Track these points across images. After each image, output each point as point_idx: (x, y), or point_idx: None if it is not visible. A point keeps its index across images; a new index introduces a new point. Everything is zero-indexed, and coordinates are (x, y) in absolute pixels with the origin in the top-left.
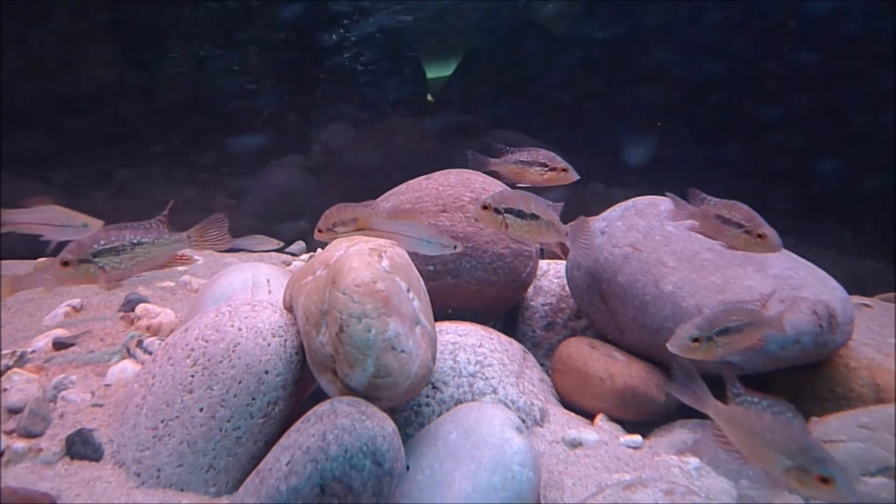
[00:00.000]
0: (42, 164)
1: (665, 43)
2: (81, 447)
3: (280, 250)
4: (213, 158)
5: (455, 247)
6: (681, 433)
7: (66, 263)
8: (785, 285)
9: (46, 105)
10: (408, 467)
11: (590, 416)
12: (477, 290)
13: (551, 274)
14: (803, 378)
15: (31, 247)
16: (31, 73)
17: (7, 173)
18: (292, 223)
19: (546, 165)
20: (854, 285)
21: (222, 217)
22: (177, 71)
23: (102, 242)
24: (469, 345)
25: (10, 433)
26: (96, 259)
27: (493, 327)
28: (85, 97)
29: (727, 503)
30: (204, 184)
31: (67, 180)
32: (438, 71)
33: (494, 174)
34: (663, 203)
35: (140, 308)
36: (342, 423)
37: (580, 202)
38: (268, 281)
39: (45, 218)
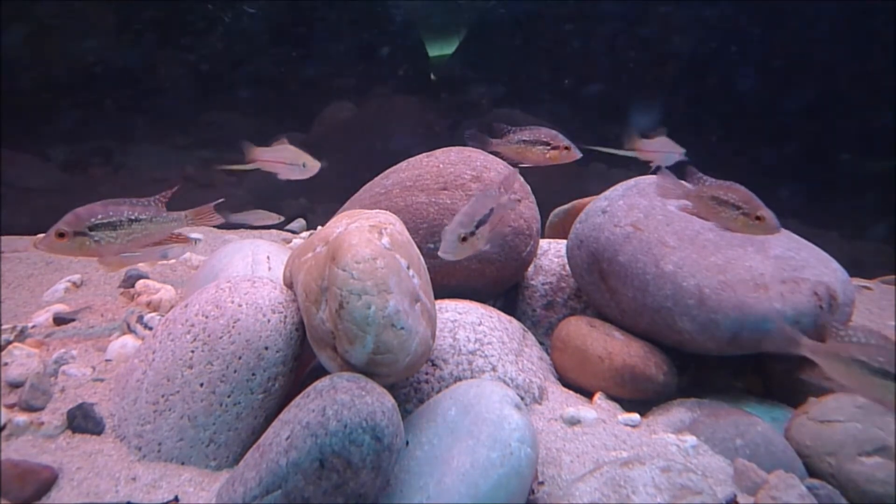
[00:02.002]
0: (41, 141)
1: (673, 22)
2: (83, 421)
3: (280, 227)
4: (214, 135)
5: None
6: (679, 412)
7: (61, 235)
8: (786, 266)
9: (46, 82)
10: (407, 443)
11: (588, 394)
12: (477, 268)
13: (552, 253)
14: (802, 359)
15: (32, 223)
16: (32, 50)
17: (6, 150)
18: (293, 200)
19: (549, 144)
20: (854, 268)
21: (219, 202)
22: (175, 47)
23: (100, 216)
24: (469, 322)
25: (11, 407)
26: (92, 233)
27: (494, 306)
28: (85, 74)
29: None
30: (204, 160)
31: (67, 157)
32: (440, 49)
33: (496, 154)
34: None
35: (140, 284)
36: (342, 399)
37: (582, 181)
38: (268, 258)
39: (280, 156)
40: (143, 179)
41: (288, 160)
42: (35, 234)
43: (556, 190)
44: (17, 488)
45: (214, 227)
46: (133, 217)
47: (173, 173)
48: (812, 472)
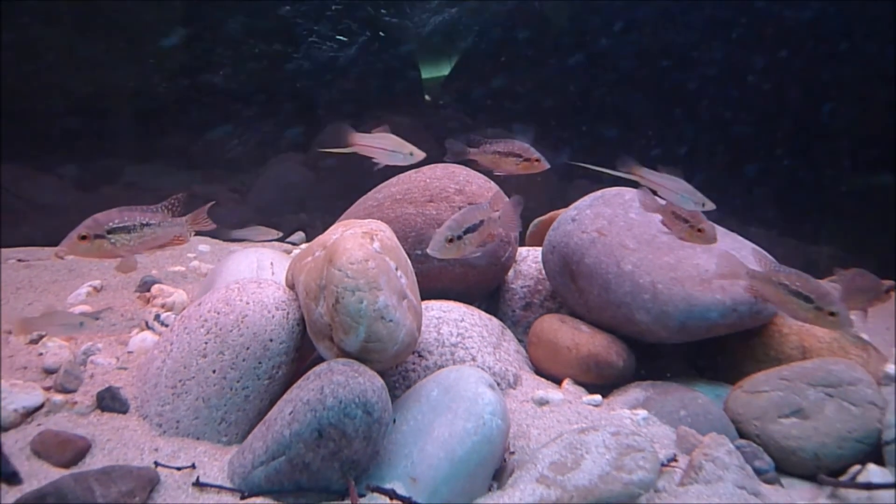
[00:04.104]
0: (55, 160)
1: (656, 45)
2: (110, 401)
3: (281, 240)
4: (218, 155)
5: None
6: (635, 392)
7: (83, 237)
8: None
9: (59, 104)
10: (395, 420)
11: (559, 381)
12: (461, 272)
13: (530, 259)
14: (741, 342)
15: (50, 236)
16: (44, 74)
17: (22, 167)
18: (293, 215)
19: (521, 156)
20: (809, 269)
21: (208, 206)
22: (180, 70)
23: (116, 221)
24: (452, 319)
25: (47, 389)
26: (110, 235)
27: (479, 307)
28: (95, 97)
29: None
30: (209, 178)
31: (78, 175)
32: (432, 71)
33: (472, 163)
34: (628, 193)
35: (155, 288)
36: (337, 379)
37: (566, 196)
38: (271, 264)
39: (381, 143)
40: (151, 196)
41: (390, 147)
42: (55, 245)
43: (540, 202)
44: (58, 453)
45: (217, 238)
46: (144, 222)
47: (180, 190)
48: (742, 434)
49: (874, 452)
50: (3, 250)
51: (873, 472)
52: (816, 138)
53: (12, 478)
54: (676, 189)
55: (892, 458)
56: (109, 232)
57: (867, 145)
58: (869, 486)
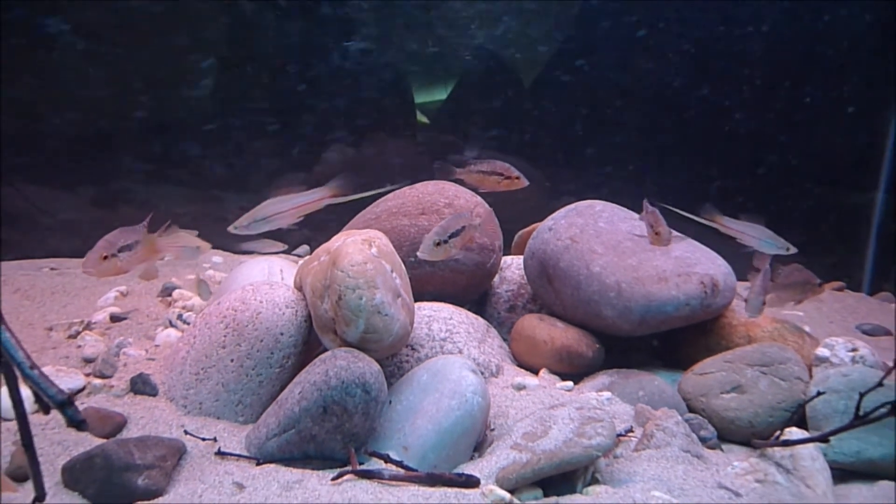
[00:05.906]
0: (72, 181)
1: (643, 66)
2: (142, 386)
3: (287, 252)
4: (226, 176)
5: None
6: (602, 378)
7: (105, 258)
8: (683, 264)
9: (76, 129)
10: (390, 402)
11: (536, 371)
12: (450, 277)
13: (514, 266)
14: (697, 334)
15: (75, 249)
16: (61, 102)
17: (41, 187)
18: (297, 231)
19: (502, 175)
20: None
21: (165, 227)
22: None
23: (122, 241)
24: (441, 317)
25: (87, 375)
26: (119, 254)
27: (468, 310)
28: (110, 122)
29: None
30: (218, 198)
31: (95, 195)
32: (427, 96)
33: (459, 181)
34: (598, 205)
35: (176, 293)
36: (340, 364)
37: (552, 211)
38: (280, 270)
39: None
40: (163, 215)
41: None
42: (80, 257)
43: (528, 218)
44: (99, 426)
45: (228, 250)
46: (136, 240)
47: (193, 209)
48: (691, 409)
49: (799, 419)
50: (37, 261)
51: (795, 434)
52: (791, 155)
53: (82, 424)
54: (759, 235)
55: (814, 422)
56: (119, 251)
57: (845, 165)
58: (787, 443)
